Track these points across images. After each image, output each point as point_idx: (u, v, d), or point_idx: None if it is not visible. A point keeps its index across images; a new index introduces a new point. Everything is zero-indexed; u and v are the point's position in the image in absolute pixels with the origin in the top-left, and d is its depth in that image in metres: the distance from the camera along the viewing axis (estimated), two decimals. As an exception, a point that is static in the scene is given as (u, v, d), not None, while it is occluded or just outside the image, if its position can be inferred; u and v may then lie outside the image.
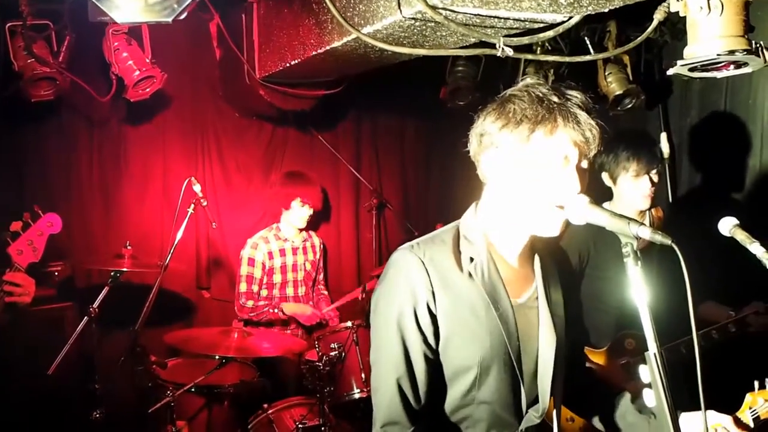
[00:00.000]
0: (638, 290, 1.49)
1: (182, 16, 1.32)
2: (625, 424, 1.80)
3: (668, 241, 1.45)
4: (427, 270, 1.51)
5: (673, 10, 1.88)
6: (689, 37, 1.85)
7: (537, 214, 1.51)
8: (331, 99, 4.03)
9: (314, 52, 2.58)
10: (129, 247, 3.52)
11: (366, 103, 4.74)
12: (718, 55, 1.74)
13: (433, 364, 1.54)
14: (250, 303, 4.06)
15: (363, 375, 3.40)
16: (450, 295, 1.52)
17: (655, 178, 2.92)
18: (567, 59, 1.79)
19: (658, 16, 1.91)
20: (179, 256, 4.14)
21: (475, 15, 1.77)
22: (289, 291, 4.25)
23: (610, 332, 3.15)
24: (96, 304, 3.30)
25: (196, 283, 4.48)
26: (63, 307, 3.81)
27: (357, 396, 3.40)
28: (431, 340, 1.52)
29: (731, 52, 1.73)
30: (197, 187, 3.33)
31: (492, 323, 1.54)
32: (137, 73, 3.26)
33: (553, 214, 1.50)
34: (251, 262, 4.13)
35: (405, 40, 2.21)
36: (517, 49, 1.79)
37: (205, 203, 3.35)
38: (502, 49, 1.75)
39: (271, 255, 4.17)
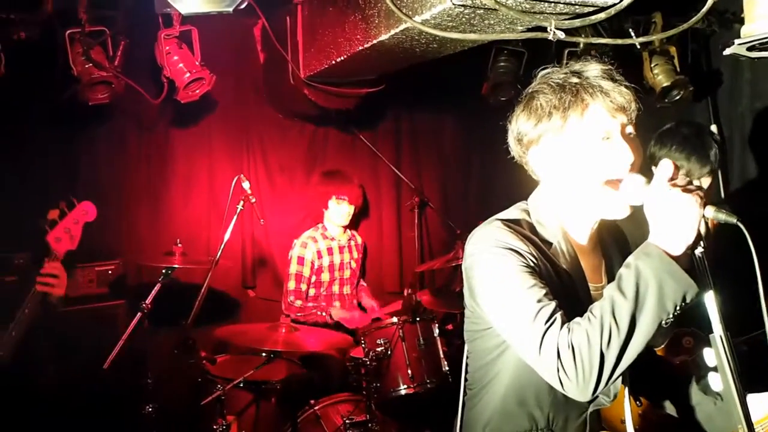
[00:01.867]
0: (701, 272, 1.47)
1: (242, 6, 1.36)
2: (690, 404, 1.78)
3: (733, 220, 1.44)
4: (526, 242, 1.48)
5: (727, -11, 1.85)
6: (746, 16, 1.82)
7: (598, 197, 1.49)
8: (371, 98, 4.06)
9: (360, 47, 2.62)
10: (179, 245, 3.60)
11: (406, 101, 4.77)
12: (777, 32, 1.71)
13: None
14: (298, 302, 4.11)
15: (409, 371, 3.40)
16: (547, 269, 1.50)
17: (705, 183, 2.82)
18: (619, 41, 1.78)
19: (712, -3, 1.89)
20: (226, 253, 4.23)
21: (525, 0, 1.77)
22: (335, 289, 4.30)
23: (666, 330, 3.08)
24: (148, 300, 3.39)
25: (242, 282, 4.56)
26: (115, 305, 3.93)
27: (403, 392, 3.40)
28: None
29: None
30: (246, 185, 3.39)
31: (573, 306, 1.50)
32: (188, 75, 3.35)
33: (615, 195, 1.47)
34: (301, 260, 4.18)
35: (452, 30, 2.22)
36: (567, 32, 1.79)
37: (254, 200, 3.41)
38: (554, 32, 1.74)
39: (319, 254, 4.22)
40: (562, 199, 1.57)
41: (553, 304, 1.39)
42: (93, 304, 3.88)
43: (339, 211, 4.21)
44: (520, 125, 1.55)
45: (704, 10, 1.86)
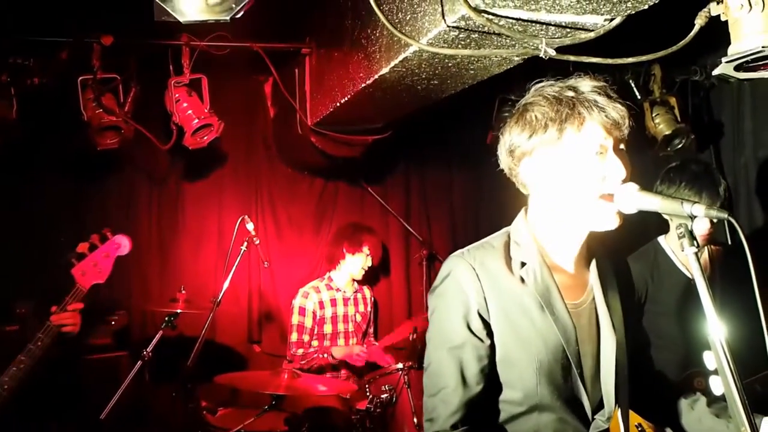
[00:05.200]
0: (697, 275, 1.45)
1: (239, 15, 1.42)
2: (702, 428, 1.71)
3: (725, 215, 1.44)
4: (478, 275, 1.50)
5: (714, 13, 1.90)
6: (732, 37, 1.85)
7: (588, 209, 1.49)
8: (380, 150, 4.12)
9: (363, 84, 2.69)
10: (183, 291, 3.60)
11: (414, 155, 4.84)
12: (763, 47, 1.74)
13: (489, 371, 1.52)
14: (300, 351, 4.05)
15: (415, 419, 3.30)
16: (502, 299, 1.51)
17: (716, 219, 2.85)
18: (609, 61, 1.82)
19: (699, 21, 1.94)
20: (231, 299, 4.21)
21: (516, 21, 1.83)
22: (340, 342, 4.22)
23: (673, 371, 3.00)
24: (149, 349, 3.36)
25: (248, 337, 4.52)
26: (118, 357, 3.89)
27: (409, 442, 3.29)
28: (485, 345, 1.50)
29: (779, 43, 1.73)
30: (250, 226, 3.41)
31: (547, 327, 1.51)
32: (196, 121, 3.43)
33: (605, 207, 1.48)
34: (302, 311, 4.14)
35: (450, 59, 2.29)
36: (558, 50, 1.84)
37: (257, 242, 3.42)
38: (545, 50, 1.79)
39: (322, 304, 4.18)
40: (551, 213, 1.56)
41: (449, 421, 1.47)
42: (95, 354, 3.84)
43: (363, 264, 4.22)
44: (513, 137, 1.54)
45: (692, 34, 1.92)
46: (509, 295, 1.51)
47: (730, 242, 3.92)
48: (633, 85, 3.90)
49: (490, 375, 1.51)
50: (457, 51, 1.86)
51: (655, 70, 3.90)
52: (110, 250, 2.77)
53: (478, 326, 1.49)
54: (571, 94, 1.47)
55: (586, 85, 1.49)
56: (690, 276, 3.03)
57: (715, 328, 1.42)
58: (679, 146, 3.87)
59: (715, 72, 1.90)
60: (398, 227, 4.84)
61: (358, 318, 4.32)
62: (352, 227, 4.36)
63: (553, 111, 1.46)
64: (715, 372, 1.44)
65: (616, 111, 1.46)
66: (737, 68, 1.90)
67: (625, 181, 1.47)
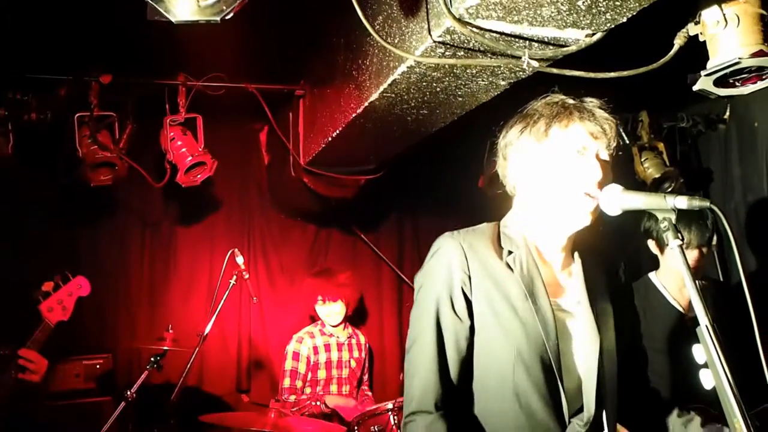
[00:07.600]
0: (683, 269, 1.45)
1: (228, 17, 1.47)
2: None
3: (707, 204, 1.47)
4: (465, 254, 1.54)
5: (692, 33, 1.97)
6: (710, 54, 1.92)
7: (565, 205, 1.55)
8: (372, 194, 4.14)
9: (354, 115, 2.74)
10: (170, 331, 3.54)
11: (407, 201, 4.86)
12: (740, 59, 1.80)
13: (468, 352, 1.53)
14: (292, 398, 3.94)
15: (406, 463, 3.17)
16: (487, 281, 1.54)
17: (705, 252, 2.90)
18: (591, 75, 1.87)
19: (678, 41, 2.00)
20: (220, 348, 4.13)
21: (500, 35, 1.89)
22: (333, 389, 4.12)
23: (668, 408, 2.94)
24: (133, 390, 3.28)
25: (236, 386, 4.41)
26: (101, 402, 3.78)
27: (400, 487, 3.15)
28: (465, 326, 1.52)
29: (755, 54, 1.78)
30: (240, 259, 3.39)
31: (529, 315, 1.52)
32: (190, 158, 3.46)
33: (581, 203, 1.54)
34: (296, 356, 4.07)
35: (437, 83, 2.34)
36: (542, 64, 1.89)
37: (246, 276, 3.39)
38: (528, 62, 1.85)
39: (316, 350, 4.11)
40: (533, 210, 1.62)
41: (429, 402, 1.46)
42: (78, 399, 3.74)
43: (325, 311, 4.14)
44: (508, 135, 1.65)
45: (671, 53, 1.97)
46: (494, 279, 1.54)
47: (722, 279, 3.91)
48: (621, 130, 3.97)
49: (468, 359, 1.52)
50: (444, 60, 1.92)
51: (643, 117, 3.99)
52: (73, 290, 2.91)
53: (460, 306, 1.51)
54: (571, 101, 1.60)
55: (589, 99, 1.61)
56: (682, 311, 3.01)
57: (703, 318, 1.40)
58: (669, 190, 3.91)
59: (696, 87, 1.95)
60: (391, 274, 4.81)
61: (353, 364, 4.23)
62: (307, 280, 4.32)
63: (548, 109, 1.59)
64: (705, 365, 1.42)
65: (607, 123, 1.57)
66: (717, 84, 1.95)
67: (600, 184, 1.54)
